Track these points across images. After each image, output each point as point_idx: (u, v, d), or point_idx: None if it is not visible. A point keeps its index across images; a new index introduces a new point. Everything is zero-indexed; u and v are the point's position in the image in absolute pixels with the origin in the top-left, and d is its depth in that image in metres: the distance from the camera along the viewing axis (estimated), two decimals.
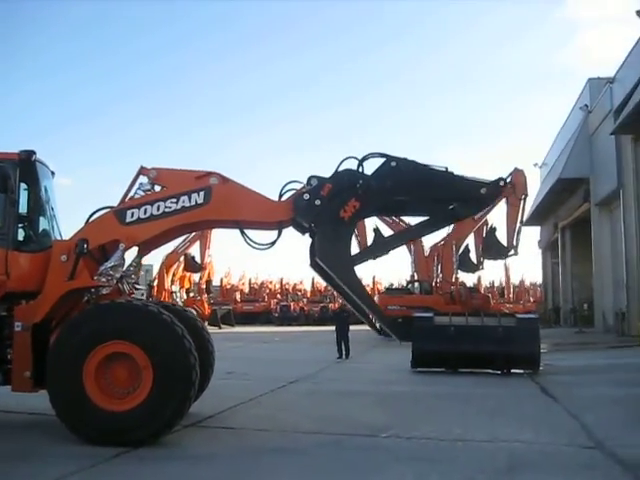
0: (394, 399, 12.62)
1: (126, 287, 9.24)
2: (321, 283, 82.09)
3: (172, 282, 42.78)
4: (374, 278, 73.80)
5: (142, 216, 8.94)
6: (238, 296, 68.90)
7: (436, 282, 36.87)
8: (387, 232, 27.85)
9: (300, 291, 79.54)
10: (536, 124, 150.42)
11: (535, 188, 45.26)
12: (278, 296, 75.48)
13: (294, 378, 15.40)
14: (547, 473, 6.96)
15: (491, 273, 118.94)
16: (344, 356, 21.62)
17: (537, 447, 8.27)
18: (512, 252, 28.60)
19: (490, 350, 16.28)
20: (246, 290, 75.43)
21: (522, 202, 31.76)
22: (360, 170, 9.27)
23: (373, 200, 9.18)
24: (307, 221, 9.17)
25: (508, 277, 72.48)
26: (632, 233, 29.39)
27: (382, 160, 9.26)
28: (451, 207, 9.74)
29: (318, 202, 8.97)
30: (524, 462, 7.47)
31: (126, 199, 9.29)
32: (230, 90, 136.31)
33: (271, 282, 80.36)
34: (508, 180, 32.74)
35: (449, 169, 9.53)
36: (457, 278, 35.17)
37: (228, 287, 70.45)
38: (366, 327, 18.42)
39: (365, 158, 9.27)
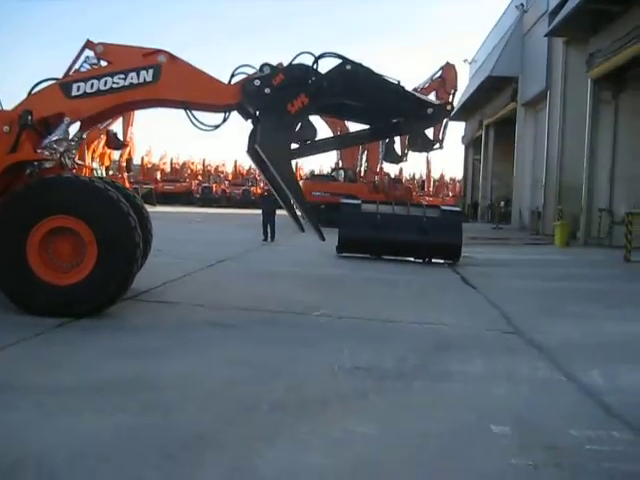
0: (322, 281, 13.03)
1: (69, 162, 9.07)
2: (243, 166, 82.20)
3: (92, 159, 41.67)
4: (296, 164, 73.81)
5: (88, 90, 8.70)
6: (159, 175, 68.15)
7: (360, 170, 37.32)
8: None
9: (222, 173, 79.27)
10: (468, 21, 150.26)
11: (464, 84, 45.53)
12: (199, 177, 75.10)
13: (222, 257, 15.65)
14: (472, 354, 7.41)
15: (412, 166, 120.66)
16: (269, 239, 21.96)
17: (461, 330, 8.80)
18: (437, 146, 28.82)
19: (414, 239, 16.85)
20: (167, 170, 74.59)
21: (451, 96, 32.06)
22: (314, 67, 9.18)
23: (322, 99, 9.15)
24: (254, 107, 9.14)
25: (429, 170, 74.03)
26: (555, 135, 30.12)
27: (338, 61, 9.19)
28: (395, 121, 9.83)
29: (268, 90, 8.89)
30: (450, 343, 7.93)
31: (70, 72, 9.05)
32: None
33: (193, 163, 79.65)
34: (439, 74, 32.98)
35: (401, 83, 9.58)
36: (382, 168, 35.69)
37: (149, 166, 69.60)
38: None
39: (321, 56, 9.18)
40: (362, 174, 37.15)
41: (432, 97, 31.19)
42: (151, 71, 8.81)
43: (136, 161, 57.13)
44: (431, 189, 73.54)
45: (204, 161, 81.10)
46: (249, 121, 9.71)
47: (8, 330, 7.29)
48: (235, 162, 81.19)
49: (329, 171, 41.03)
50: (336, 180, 36.25)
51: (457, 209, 20.49)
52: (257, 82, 8.96)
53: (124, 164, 46.84)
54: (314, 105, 9.20)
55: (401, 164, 38.43)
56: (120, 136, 41.04)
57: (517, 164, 38.34)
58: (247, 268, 14.47)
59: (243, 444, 4.45)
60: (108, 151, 43.04)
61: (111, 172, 46.57)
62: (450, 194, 76.95)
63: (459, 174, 73.77)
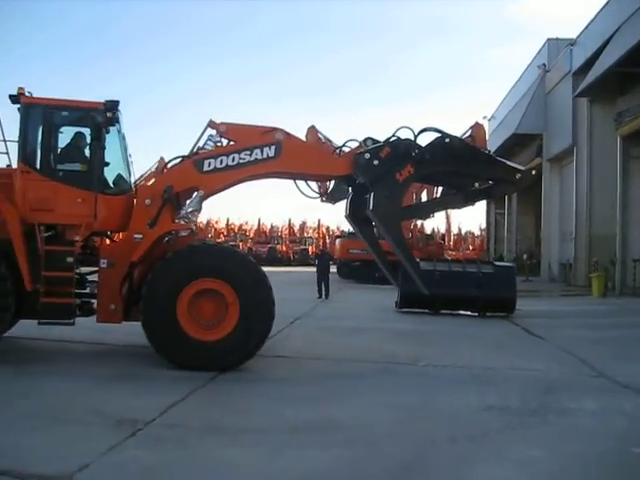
0: (402, 335, 13.87)
1: (195, 229, 10.18)
2: (266, 225, 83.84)
3: None
4: (319, 221, 75.01)
5: (218, 166, 9.90)
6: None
7: None
8: None
9: (245, 231, 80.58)
10: (482, 78, 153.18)
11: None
12: (222, 236, 76.33)
13: (296, 315, 16.45)
14: (578, 394, 8.38)
15: (430, 220, 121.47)
16: (324, 296, 22.93)
17: (554, 375, 9.76)
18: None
19: (472, 294, 17.78)
20: None
21: None
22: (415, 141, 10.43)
23: (425, 168, 10.42)
24: (365, 178, 10.30)
25: (449, 225, 75.10)
26: (582, 189, 31.16)
27: (435, 134, 10.51)
28: (486, 186, 11.16)
29: (376, 162, 10.11)
30: (553, 386, 8.90)
31: (195, 149, 10.25)
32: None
33: (217, 222, 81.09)
34: (468, 133, 34.16)
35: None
36: (415, 225, 36.80)
37: None
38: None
39: (422, 131, 10.50)
40: None
41: None
42: (273, 147, 10.02)
43: None
44: (450, 243, 74.54)
45: (227, 220, 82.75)
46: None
47: (169, 384, 8.27)
48: (259, 220, 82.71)
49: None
50: None
51: (510, 264, 21.37)
52: (367, 155, 10.20)
53: None
54: (418, 174, 10.46)
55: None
56: None
57: (544, 218, 39.21)
58: (323, 324, 15.40)
59: (447, 468, 5.52)
60: None
61: None
62: (470, 247, 77.86)
63: (475, 228, 74.90)
